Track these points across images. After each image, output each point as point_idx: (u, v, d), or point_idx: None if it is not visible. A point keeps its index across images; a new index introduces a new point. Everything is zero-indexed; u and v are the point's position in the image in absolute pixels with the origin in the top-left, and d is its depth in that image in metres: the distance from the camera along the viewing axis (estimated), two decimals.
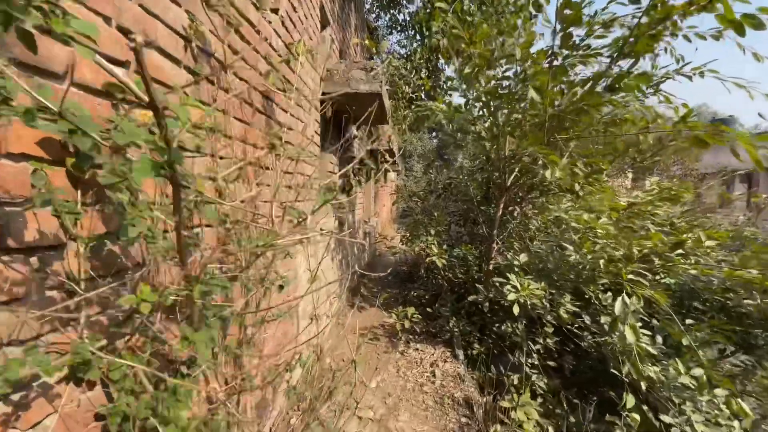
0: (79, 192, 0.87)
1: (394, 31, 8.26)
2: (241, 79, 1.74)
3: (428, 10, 3.84)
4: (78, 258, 0.90)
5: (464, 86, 3.67)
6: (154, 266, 1.07)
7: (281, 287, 1.51)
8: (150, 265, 0.99)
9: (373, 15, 8.21)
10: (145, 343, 1.04)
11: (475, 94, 3.70)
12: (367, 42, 4.53)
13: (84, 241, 0.92)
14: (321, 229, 1.19)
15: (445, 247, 4.35)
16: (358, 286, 5.71)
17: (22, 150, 0.75)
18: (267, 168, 2.12)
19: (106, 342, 0.92)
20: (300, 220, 0.98)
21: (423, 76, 4.59)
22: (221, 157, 1.54)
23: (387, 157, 6.47)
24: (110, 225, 0.96)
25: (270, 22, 2.07)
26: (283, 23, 2.26)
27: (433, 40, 5.15)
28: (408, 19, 8.28)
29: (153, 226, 0.99)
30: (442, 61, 7.94)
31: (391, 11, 7.97)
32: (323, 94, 3.21)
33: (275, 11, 2.15)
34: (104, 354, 0.91)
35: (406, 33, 8.41)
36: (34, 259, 0.81)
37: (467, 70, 3.52)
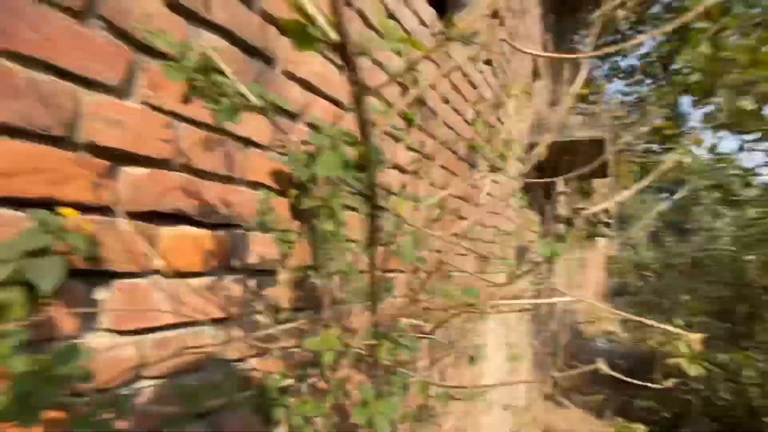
0: (295, 223, 0.91)
1: (615, 79, 7.31)
2: (447, 126, 1.71)
3: (676, 39, 3.13)
4: (285, 287, 0.92)
5: (738, 124, 2.66)
6: (347, 308, 1.01)
7: (472, 359, 1.24)
8: (341, 306, 0.93)
9: (590, 66, 7.55)
10: (328, 392, 0.96)
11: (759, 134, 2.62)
12: (582, 92, 4.06)
13: (294, 271, 0.95)
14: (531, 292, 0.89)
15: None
16: (552, 372, 4.68)
17: (257, 179, 0.82)
18: (463, 218, 1.98)
19: (294, 381, 0.88)
20: (514, 277, 0.72)
21: (658, 122, 3.67)
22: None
23: (601, 218, 5.40)
24: (316, 258, 0.97)
25: (481, 72, 2.03)
26: (494, 73, 2.20)
27: (678, 77, 4.19)
28: (633, 66, 7.19)
29: (353, 264, 0.94)
30: (686, 104, 6.36)
31: (612, 59, 7.12)
32: (531, 144, 2.94)
33: (488, 62, 2.11)
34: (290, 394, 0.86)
35: (630, 79, 7.28)
36: (252, 282, 0.85)
37: (744, 102, 2.55)
